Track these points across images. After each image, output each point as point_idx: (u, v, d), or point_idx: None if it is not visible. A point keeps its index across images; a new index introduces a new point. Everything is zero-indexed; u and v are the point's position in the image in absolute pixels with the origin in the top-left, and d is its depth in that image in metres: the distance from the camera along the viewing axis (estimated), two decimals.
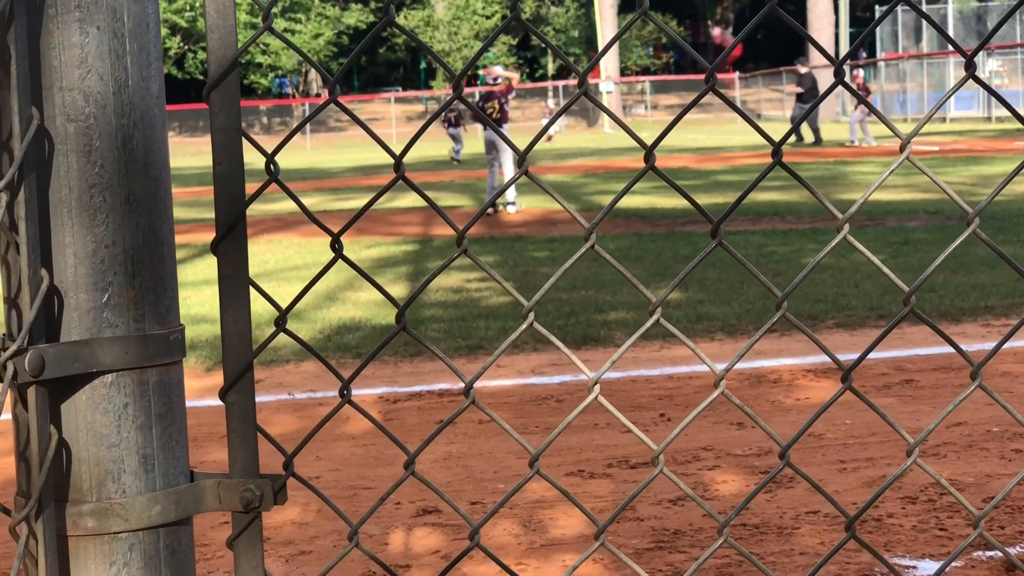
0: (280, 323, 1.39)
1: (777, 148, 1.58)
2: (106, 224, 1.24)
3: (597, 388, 1.50)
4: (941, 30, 1.58)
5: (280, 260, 13.40)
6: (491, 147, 17.90)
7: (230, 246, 1.32)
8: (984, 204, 1.56)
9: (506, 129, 18.94)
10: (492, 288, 10.90)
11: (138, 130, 1.25)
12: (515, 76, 18.11)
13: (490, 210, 15.79)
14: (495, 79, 17.62)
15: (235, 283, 1.32)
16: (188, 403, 6.63)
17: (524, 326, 1.46)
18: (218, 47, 1.28)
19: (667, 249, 12.83)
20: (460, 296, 10.53)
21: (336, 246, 1.38)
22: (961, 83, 1.58)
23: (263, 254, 14.07)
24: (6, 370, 1.16)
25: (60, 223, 1.24)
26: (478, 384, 7.25)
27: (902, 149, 1.58)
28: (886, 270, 1.55)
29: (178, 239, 16.05)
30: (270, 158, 1.34)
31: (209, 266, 12.47)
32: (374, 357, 1.33)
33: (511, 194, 17.85)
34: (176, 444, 1.30)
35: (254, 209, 19.74)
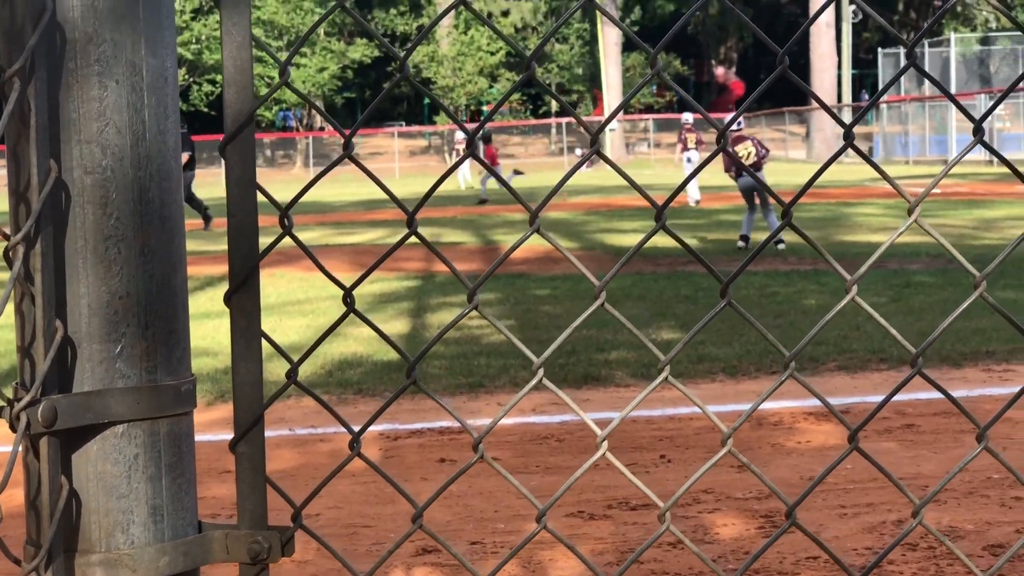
0: (291, 375, 1.40)
1: (787, 210, 1.59)
2: (120, 275, 1.25)
3: (605, 445, 1.51)
4: (946, 91, 1.59)
5: (283, 294, 13.40)
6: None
7: (243, 298, 1.33)
8: (991, 269, 1.57)
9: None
10: (493, 326, 10.91)
11: (154, 182, 1.26)
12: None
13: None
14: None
15: (248, 335, 1.33)
16: None
17: (533, 382, 1.46)
18: (235, 101, 1.29)
19: (669, 289, 12.83)
20: (461, 333, 10.54)
21: (348, 300, 1.38)
22: (969, 148, 1.59)
23: (265, 288, 14.07)
24: (19, 421, 1.17)
25: (75, 274, 1.25)
26: (480, 422, 7.24)
27: (910, 212, 1.59)
28: (893, 331, 1.56)
29: None
30: (284, 212, 1.35)
31: (211, 299, 12.48)
32: (382, 412, 1.33)
33: None
34: (185, 495, 1.30)
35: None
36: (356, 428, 1.41)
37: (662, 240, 18.11)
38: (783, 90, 65.12)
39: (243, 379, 1.34)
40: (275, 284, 14.36)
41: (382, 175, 54.27)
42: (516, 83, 1.44)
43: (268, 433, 7.19)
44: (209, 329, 10.83)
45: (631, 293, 12.54)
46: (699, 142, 28.52)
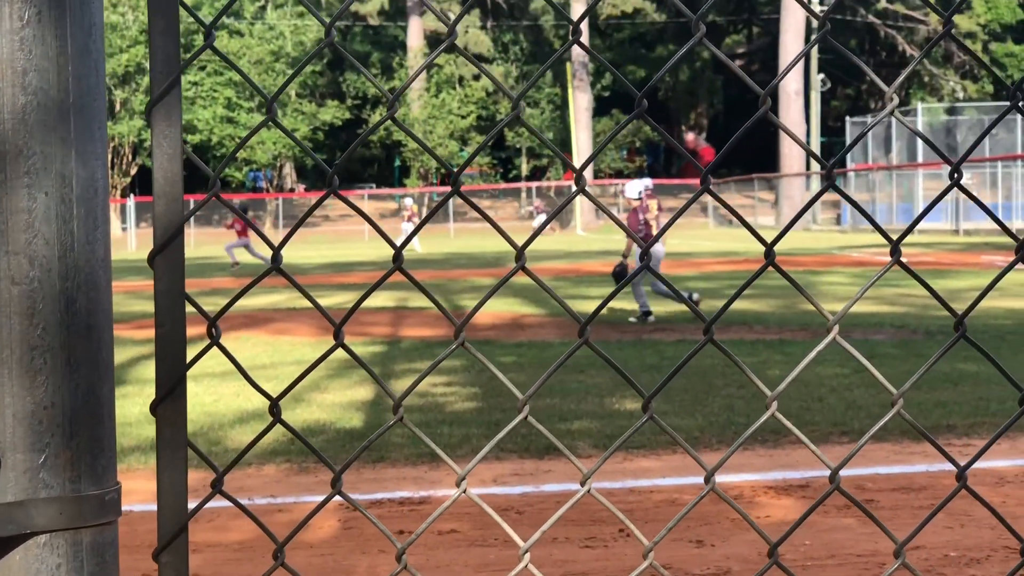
0: (217, 485, 1.40)
1: (769, 249, 1.61)
2: (46, 386, 1.26)
3: (590, 483, 1.51)
4: (927, 140, 1.62)
5: (248, 358, 13.37)
6: None
7: (169, 408, 1.34)
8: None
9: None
10: (457, 393, 10.90)
11: (82, 292, 1.27)
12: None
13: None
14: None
15: (173, 445, 1.34)
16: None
17: (519, 418, 1.47)
18: (164, 213, 1.31)
19: (633, 358, 12.86)
20: (425, 400, 10.52)
21: (274, 410, 1.39)
22: (946, 191, 1.61)
23: (232, 351, 14.03)
24: None
25: (0, 384, 1.25)
26: (443, 493, 7.23)
27: (893, 253, 1.60)
28: (875, 372, 1.57)
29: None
30: (212, 322, 1.36)
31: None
32: (367, 447, 1.34)
33: None
34: None
35: (220, 304, 19.74)
36: (316, 499, 1.41)
37: (629, 305, 18.17)
38: (752, 157, 65.65)
39: (166, 488, 1.34)
40: (240, 347, 14.33)
41: (351, 238, 54.31)
42: (502, 121, 1.46)
43: (226, 503, 7.15)
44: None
45: (595, 362, 12.55)
46: (660, 208, 28.66)
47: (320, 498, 7.09)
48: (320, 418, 9.72)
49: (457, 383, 11.55)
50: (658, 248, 26.07)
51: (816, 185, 57.16)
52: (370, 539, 6.34)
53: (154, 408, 1.34)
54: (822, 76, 63.02)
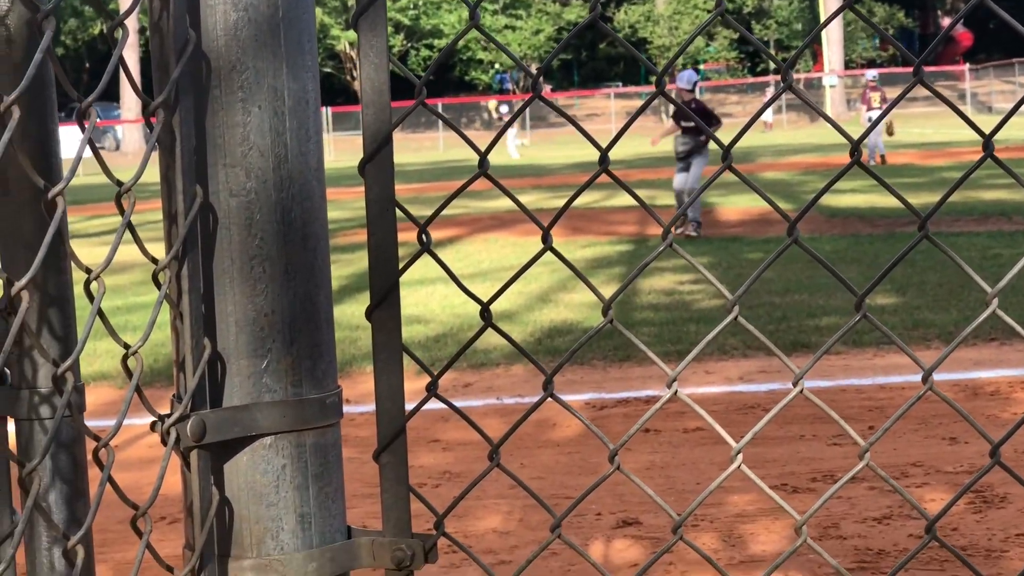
0: (431, 388, 1.43)
1: (987, 141, 1.56)
2: (266, 294, 1.30)
3: (739, 458, 1.50)
4: None
5: (495, 260, 13.55)
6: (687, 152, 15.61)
7: (384, 314, 1.37)
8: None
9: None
10: (704, 291, 10.84)
11: (296, 203, 1.31)
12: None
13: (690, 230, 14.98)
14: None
15: (388, 350, 1.37)
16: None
17: (729, 319, 1.47)
18: (373, 122, 1.33)
19: (885, 251, 12.56)
20: (672, 299, 10.51)
21: (484, 315, 1.41)
22: None
23: (478, 253, 14.26)
24: (169, 435, 1.23)
25: (223, 293, 1.30)
26: (688, 391, 7.23)
27: None
28: None
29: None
30: (423, 228, 1.38)
31: (425, 266, 12.69)
32: (577, 350, 1.36)
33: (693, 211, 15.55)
34: (332, 503, 1.35)
35: (471, 206, 20.01)
36: (566, 399, 1.44)
37: (880, 200, 17.71)
38: (1012, 39, 62.80)
39: (384, 392, 1.38)
40: (488, 249, 14.53)
41: (599, 136, 54.16)
42: (705, 21, 1.44)
43: (476, 402, 7.30)
44: (421, 296, 11.03)
45: (845, 256, 12.32)
46: (883, 100, 27.73)
47: (569, 397, 7.18)
48: (567, 318, 9.81)
49: (704, 281, 11.49)
50: (873, 139, 25.22)
51: None
52: (616, 437, 6.39)
53: (369, 314, 1.37)
54: None
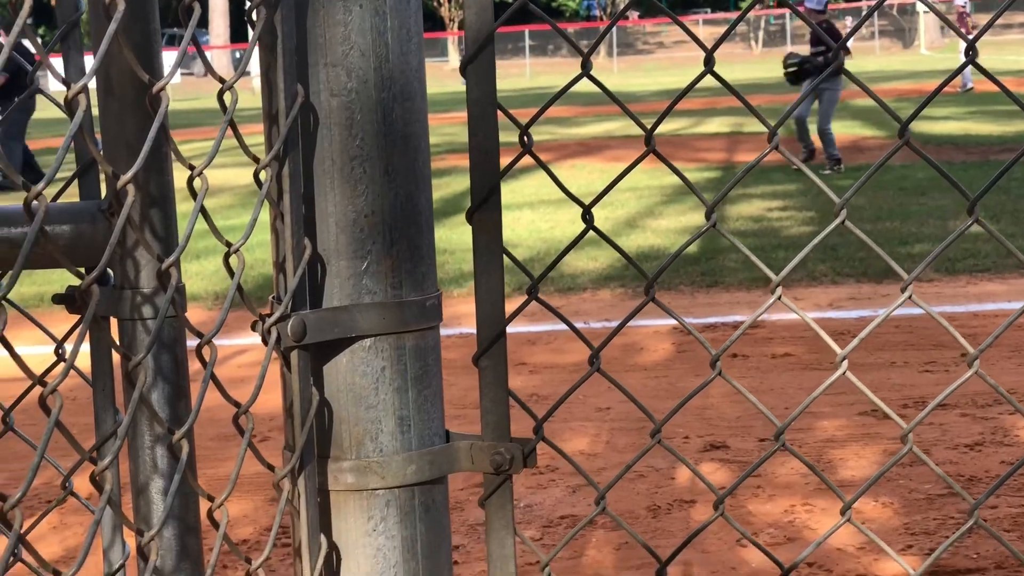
0: (532, 292, 1.42)
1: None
2: (366, 194, 1.29)
3: (844, 364, 1.48)
4: None
5: (582, 185, 13.49)
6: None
7: (484, 216, 1.36)
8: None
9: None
10: (793, 218, 10.74)
11: (397, 103, 1.29)
12: None
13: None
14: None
15: (489, 252, 1.36)
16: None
17: (837, 222, 1.44)
18: (475, 22, 1.31)
19: (979, 178, 12.35)
20: (760, 225, 10.42)
21: (587, 217, 1.40)
22: None
23: (565, 179, 14.20)
24: (270, 335, 1.23)
25: (323, 193, 1.30)
26: (773, 318, 7.17)
27: None
28: None
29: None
30: (524, 130, 1.36)
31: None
32: (681, 252, 1.34)
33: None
34: (431, 406, 1.35)
35: (557, 133, 19.92)
36: (653, 324, 1.42)
37: (975, 126, 17.40)
38: None
39: (484, 296, 1.37)
40: (575, 175, 14.47)
41: (686, 64, 53.69)
42: None
43: (563, 327, 7.30)
44: (508, 221, 11.02)
45: (939, 184, 12.13)
46: (975, 27, 27.12)
47: (656, 323, 7.16)
48: (654, 243, 9.77)
49: (792, 207, 11.37)
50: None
51: None
52: (703, 362, 6.37)
53: (470, 216, 1.36)
54: None
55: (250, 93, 26.47)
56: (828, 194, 1.51)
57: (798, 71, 14.04)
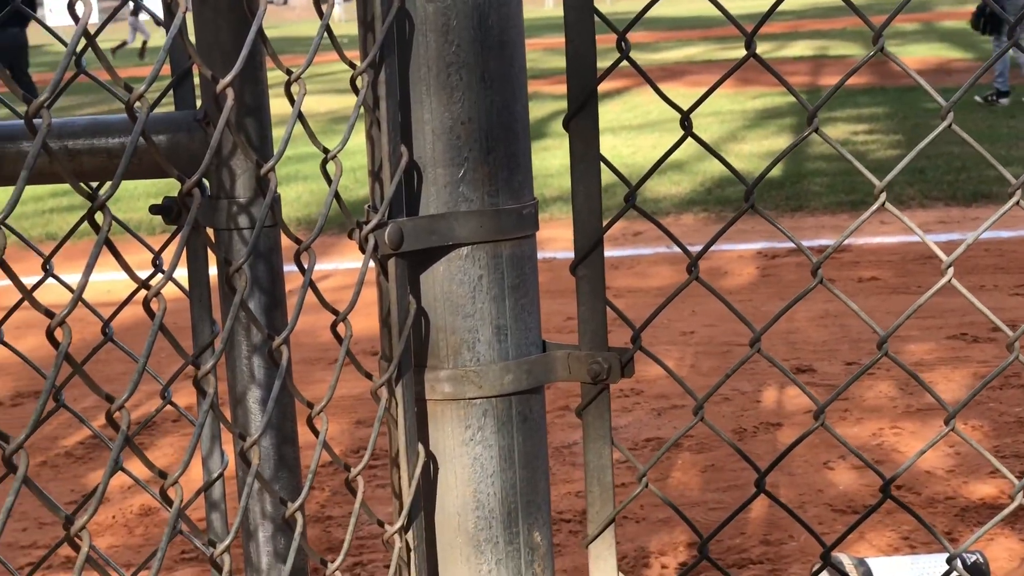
0: (629, 199, 1.40)
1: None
2: (462, 102, 1.28)
3: (950, 272, 1.45)
4: None
5: (663, 111, 13.38)
6: None
7: (582, 123, 1.34)
8: None
9: None
10: (879, 141, 10.59)
11: (493, 8, 1.27)
12: None
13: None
14: None
15: (586, 160, 1.34)
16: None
17: (944, 124, 1.41)
18: None
19: None
20: (846, 148, 10.27)
21: (684, 123, 1.37)
22: None
23: (646, 104, 14.10)
24: (368, 242, 1.22)
25: (419, 100, 1.28)
26: (859, 242, 7.09)
27: None
28: None
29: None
30: (621, 35, 1.34)
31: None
32: (786, 154, 1.32)
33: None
34: (528, 315, 1.34)
35: (638, 58, 19.73)
36: (738, 248, 1.41)
37: None
38: None
39: (581, 204, 1.35)
40: (656, 101, 14.33)
41: (741, 3, 52.77)
42: None
43: (646, 250, 7.27)
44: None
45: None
46: None
47: (741, 247, 7.11)
48: (738, 168, 9.66)
49: (879, 131, 11.22)
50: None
51: None
52: (788, 286, 6.32)
53: (567, 123, 1.35)
54: None
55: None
56: (936, 98, 1.47)
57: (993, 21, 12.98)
